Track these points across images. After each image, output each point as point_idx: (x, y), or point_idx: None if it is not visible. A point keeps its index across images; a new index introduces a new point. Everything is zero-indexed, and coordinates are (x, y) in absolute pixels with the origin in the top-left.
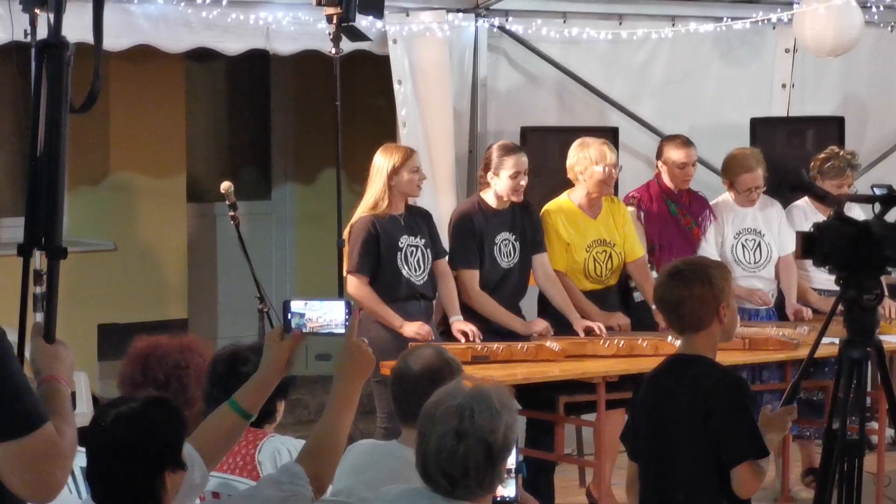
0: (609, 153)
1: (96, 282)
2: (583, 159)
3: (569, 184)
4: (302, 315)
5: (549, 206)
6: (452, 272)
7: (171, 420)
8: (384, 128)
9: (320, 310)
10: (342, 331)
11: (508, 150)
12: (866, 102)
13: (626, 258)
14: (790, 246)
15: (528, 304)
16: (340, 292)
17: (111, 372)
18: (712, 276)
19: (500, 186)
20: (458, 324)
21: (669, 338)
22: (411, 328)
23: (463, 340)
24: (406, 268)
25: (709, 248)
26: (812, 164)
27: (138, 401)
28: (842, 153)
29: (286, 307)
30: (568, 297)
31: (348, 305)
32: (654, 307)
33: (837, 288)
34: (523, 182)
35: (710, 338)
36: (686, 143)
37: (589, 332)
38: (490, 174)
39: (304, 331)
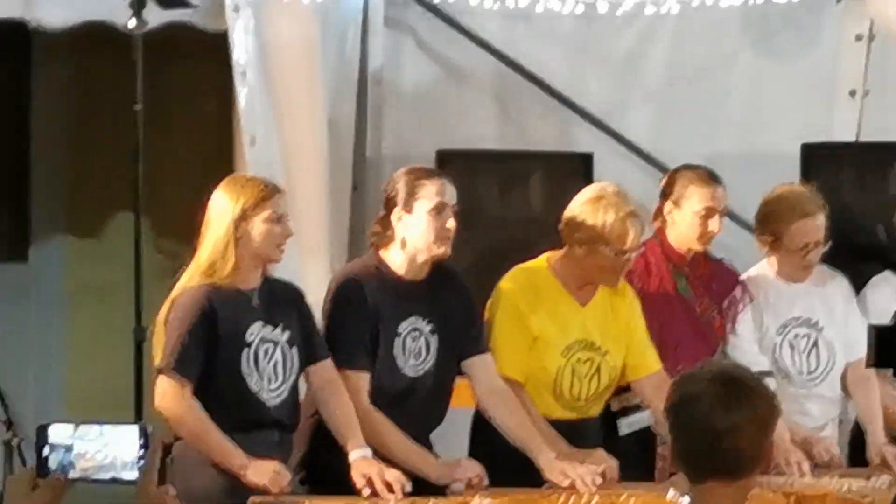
0: (634, 233)
1: None
2: (590, 229)
3: (525, 245)
4: (69, 449)
5: (512, 272)
6: None
7: None
8: (218, 148)
9: (100, 440)
10: (133, 476)
11: (426, 172)
12: None
13: (631, 374)
14: (863, 346)
15: (448, 436)
16: (138, 412)
17: None
18: (773, 396)
19: (412, 230)
20: (364, 465)
21: (672, 493)
22: (260, 472)
23: (365, 493)
24: (255, 376)
25: (745, 349)
26: None
27: None
28: None
29: (41, 435)
30: (530, 424)
31: (144, 433)
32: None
33: None
34: (451, 222)
35: (746, 492)
36: (714, 176)
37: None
38: (397, 214)
39: (70, 475)
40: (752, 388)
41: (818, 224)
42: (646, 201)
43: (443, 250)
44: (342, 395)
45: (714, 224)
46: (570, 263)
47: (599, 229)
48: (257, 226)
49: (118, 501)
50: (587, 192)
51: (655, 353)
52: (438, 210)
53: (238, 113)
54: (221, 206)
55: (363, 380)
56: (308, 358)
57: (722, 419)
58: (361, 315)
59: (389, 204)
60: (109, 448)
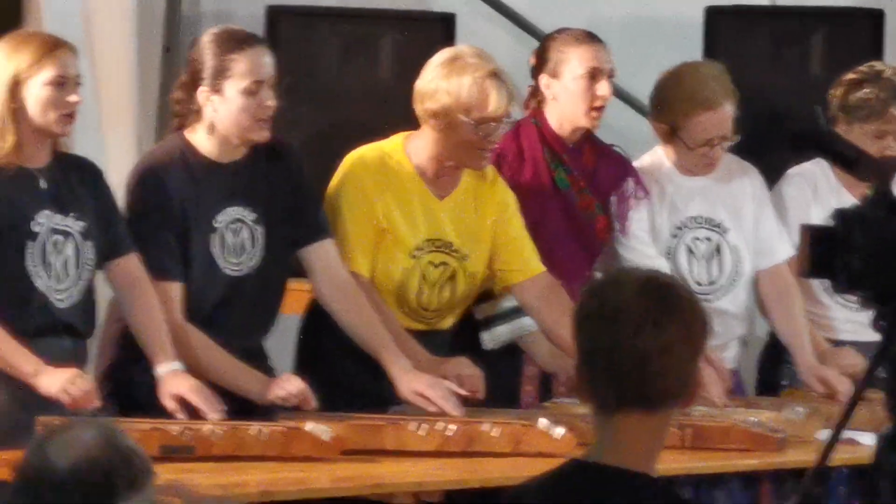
0: (497, 95)
1: None
2: (444, 96)
3: (371, 121)
4: None
5: (360, 151)
6: None
7: None
8: None
9: None
10: None
11: (237, 41)
12: None
13: (508, 278)
14: (781, 250)
15: (282, 348)
16: None
17: None
18: (704, 311)
19: (225, 113)
20: (175, 381)
21: (544, 422)
22: (54, 380)
23: (179, 416)
24: (42, 273)
25: (642, 252)
26: (830, 94)
27: None
28: (889, 72)
29: None
30: (380, 325)
31: None
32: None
33: (874, 337)
34: (270, 101)
35: (662, 431)
36: (591, 34)
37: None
38: (203, 92)
39: None
40: (685, 301)
41: (723, 116)
42: (518, 74)
43: (261, 135)
44: (148, 297)
45: (603, 88)
46: (425, 145)
47: (455, 95)
48: (34, 91)
49: None
50: (440, 55)
51: (537, 254)
52: (253, 90)
53: None
54: None
55: (173, 290)
56: (108, 251)
57: (653, 338)
58: (165, 215)
59: (194, 77)
60: None
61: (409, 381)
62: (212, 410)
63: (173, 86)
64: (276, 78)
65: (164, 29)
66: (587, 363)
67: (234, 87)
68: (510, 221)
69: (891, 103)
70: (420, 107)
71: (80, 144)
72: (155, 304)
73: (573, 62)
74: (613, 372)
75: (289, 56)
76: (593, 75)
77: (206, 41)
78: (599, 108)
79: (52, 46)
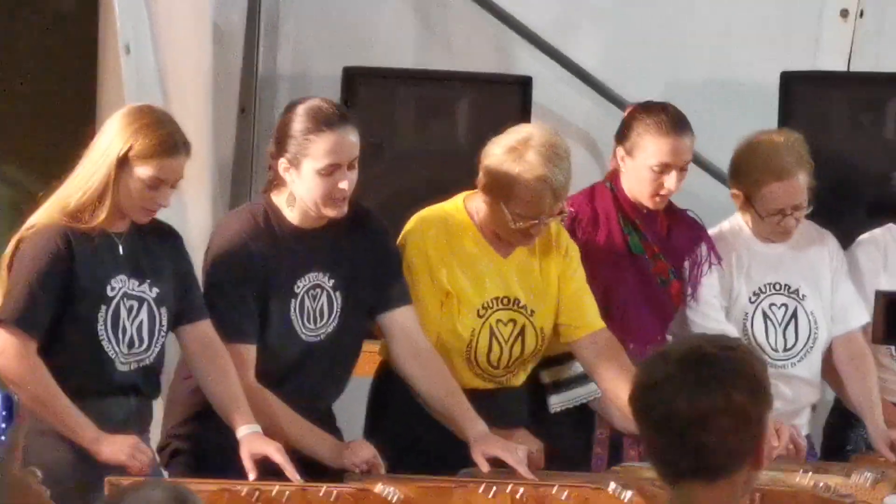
0: (542, 202)
1: None
2: (498, 182)
3: (446, 183)
4: None
5: (423, 213)
6: None
7: None
8: (78, 57)
9: None
10: None
11: (321, 121)
12: None
13: (568, 334)
14: (856, 318)
15: (350, 409)
16: None
17: None
18: (760, 377)
19: (302, 189)
20: (260, 441)
21: (613, 486)
22: (116, 448)
23: (251, 476)
24: (113, 338)
25: (709, 316)
26: None
27: None
28: None
29: None
30: (460, 391)
31: (9, 403)
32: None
33: None
34: (344, 183)
35: (731, 497)
36: (676, 125)
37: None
38: (283, 164)
39: None
40: (728, 370)
41: (795, 187)
42: (591, 135)
43: (335, 213)
44: (224, 362)
45: (670, 182)
46: (483, 207)
47: (501, 182)
48: (134, 179)
49: None
50: (511, 135)
51: (597, 310)
52: (328, 172)
53: (106, 14)
54: (107, 137)
55: (249, 352)
56: (182, 315)
57: (687, 408)
58: (247, 279)
59: (278, 147)
60: None
61: (486, 444)
62: (293, 473)
63: (254, 150)
64: (358, 155)
65: (241, 89)
66: (641, 432)
67: (310, 167)
68: (573, 276)
69: None
70: (480, 174)
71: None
72: (231, 369)
73: (648, 150)
74: (662, 443)
75: (365, 117)
76: (664, 169)
77: (297, 113)
78: (664, 196)
79: (173, 149)
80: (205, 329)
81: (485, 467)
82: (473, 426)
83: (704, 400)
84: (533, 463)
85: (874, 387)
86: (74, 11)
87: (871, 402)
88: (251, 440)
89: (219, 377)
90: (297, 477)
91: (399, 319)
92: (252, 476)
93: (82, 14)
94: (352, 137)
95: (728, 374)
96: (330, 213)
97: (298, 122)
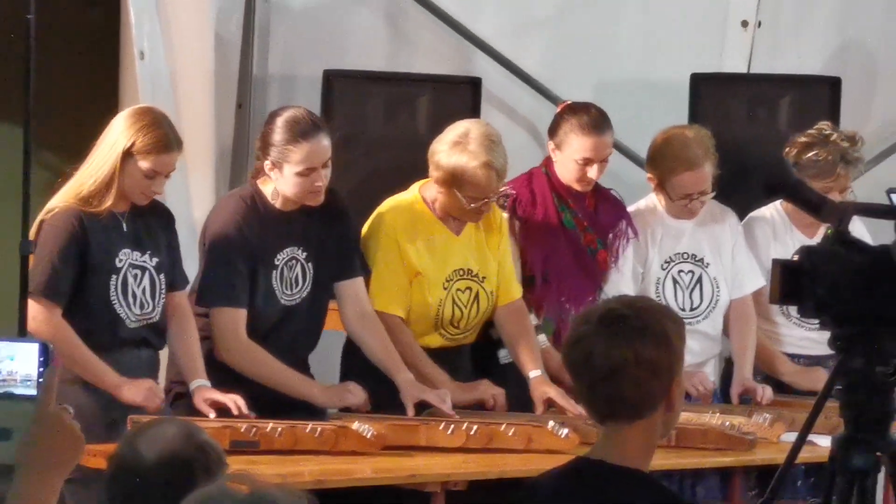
0: (487, 183)
1: None
2: (446, 171)
3: (410, 167)
4: None
5: (388, 205)
6: (201, 309)
7: None
8: (102, 62)
9: None
10: (32, 392)
11: (297, 132)
12: (876, 56)
13: (498, 300)
14: (750, 283)
15: (323, 361)
16: (21, 329)
17: None
18: (669, 332)
19: (285, 186)
20: (205, 391)
21: (552, 424)
22: (135, 391)
23: (211, 415)
24: (123, 302)
25: (623, 284)
26: (786, 151)
27: None
28: (835, 136)
29: None
30: (392, 347)
31: (45, 350)
32: (534, 375)
33: (829, 352)
34: (319, 181)
35: (649, 434)
36: (597, 125)
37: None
38: (268, 164)
39: None
40: (637, 327)
41: (702, 176)
42: (534, 124)
43: (314, 202)
44: (191, 327)
45: (592, 172)
46: (436, 196)
47: (452, 173)
48: (135, 169)
49: (9, 423)
50: (452, 131)
51: (518, 282)
52: (306, 174)
53: (125, 26)
54: (115, 133)
55: (240, 315)
56: (169, 284)
57: (603, 360)
58: (239, 254)
59: (262, 151)
60: (6, 363)
61: (413, 390)
62: (235, 408)
63: (249, 140)
64: (332, 144)
65: (238, 88)
66: (572, 380)
67: (290, 170)
68: (505, 249)
69: (837, 165)
70: (430, 168)
71: (168, 187)
72: (194, 334)
73: (573, 146)
74: (587, 391)
75: (341, 112)
76: (587, 163)
77: (278, 124)
78: (588, 182)
79: (167, 147)
80: (182, 298)
81: (411, 411)
82: (400, 374)
83: (616, 353)
84: (499, 405)
85: (749, 342)
86: (100, 24)
87: (745, 357)
88: (201, 391)
89: (185, 340)
90: (245, 411)
91: (351, 287)
92: (212, 415)
93: (106, 26)
94: (324, 142)
95: (637, 331)
96: (308, 202)
97: (278, 134)
